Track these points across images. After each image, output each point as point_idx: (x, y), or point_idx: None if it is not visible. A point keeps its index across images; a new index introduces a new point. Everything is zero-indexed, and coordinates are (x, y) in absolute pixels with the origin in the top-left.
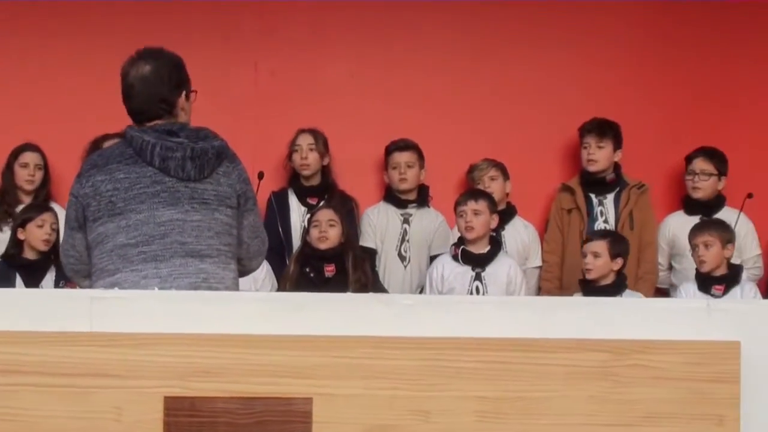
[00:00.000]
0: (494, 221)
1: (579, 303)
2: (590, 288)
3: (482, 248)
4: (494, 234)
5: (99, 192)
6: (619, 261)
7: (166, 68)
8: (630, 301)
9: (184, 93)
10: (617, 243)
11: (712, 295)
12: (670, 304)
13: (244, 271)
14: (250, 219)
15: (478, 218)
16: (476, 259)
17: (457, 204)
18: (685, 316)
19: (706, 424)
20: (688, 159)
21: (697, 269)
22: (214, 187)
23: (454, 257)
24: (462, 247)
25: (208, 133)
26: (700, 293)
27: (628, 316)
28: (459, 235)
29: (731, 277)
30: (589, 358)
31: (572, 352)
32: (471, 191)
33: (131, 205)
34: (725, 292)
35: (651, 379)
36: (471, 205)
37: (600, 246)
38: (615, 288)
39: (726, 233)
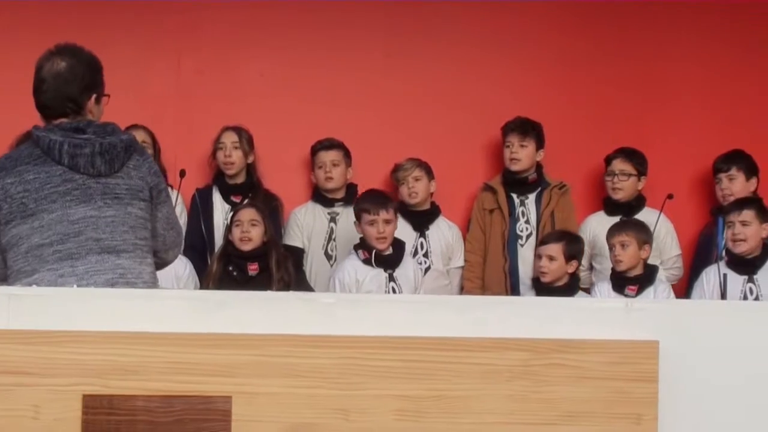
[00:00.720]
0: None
1: (499, 302)
2: (543, 289)
3: (390, 249)
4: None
5: (9, 194)
6: (574, 263)
7: (81, 68)
8: (549, 300)
9: (94, 96)
10: (572, 245)
11: (626, 296)
12: (590, 304)
13: (160, 264)
14: (164, 211)
15: (390, 227)
16: (387, 260)
17: (365, 211)
18: (605, 316)
19: (625, 423)
20: (608, 160)
21: (612, 268)
22: (125, 181)
23: (366, 261)
24: (374, 250)
25: (115, 127)
26: (615, 293)
27: (547, 315)
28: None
29: (646, 277)
30: (509, 357)
31: (492, 351)
32: (380, 199)
33: (43, 205)
34: (639, 292)
35: (571, 378)
36: (383, 215)
37: (555, 249)
38: (568, 290)
39: (643, 234)
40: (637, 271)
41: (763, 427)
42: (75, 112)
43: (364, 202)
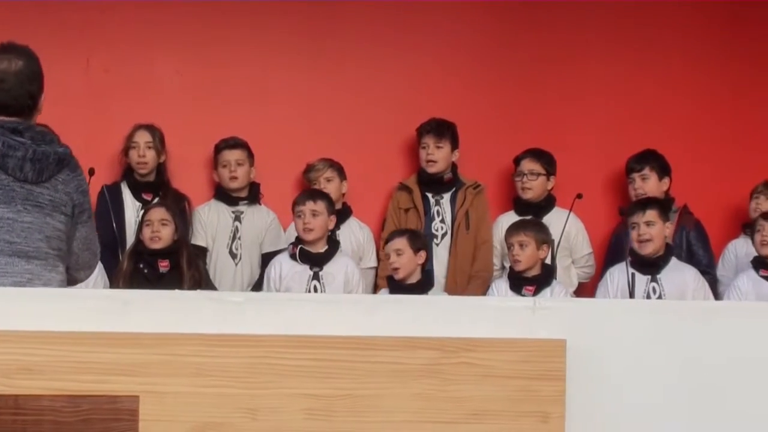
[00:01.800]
0: (331, 222)
1: (408, 301)
2: (398, 286)
3: (320, 248)
4: (331, 234)
5: None
6: (423, 254)
7: (36, 66)
8: (458, 300)
9: (42, 94)
10: (416, 238)
11: (523, 296)
12: (498, 303)
13: (71, 281)
14: (83, 231)
15: (317, 219)
16: (314, 258)
17: (295, 204)
18: (512, 315)
19: (532, 421)
20: (516, 160)
21: (510, 268)
22: (50, 192)
23: (292, 256)
24: (300, 246)
25: (54, 138)
26: (512, 292)
27: (455, 314)
28: (296, 234)
29: (543, 278)
30: (417, 355)
31: (401, 349)
32: (309, 191)
33: None
34: (536, 292)
35: (478, 377)
36: (309, 206)
37: (401, 243)
38: (422, 285)
39: (541, 234)
40: (535, 271)
41: (669, 424)
42: (30, 110)
43: (297, 196)
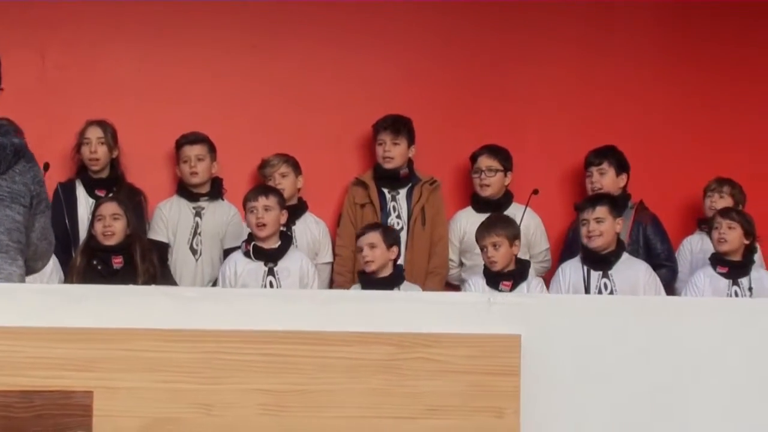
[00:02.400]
0: (283, 217)
1: (363, 296)
2: (369, 280)
3: (273, 243)
4: (284, 229)
5: None
6: (395, 249)
7: None
8: (413, 295)
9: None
10: (389, 233)
11: (500, 291)
12: (453, 298)
13: (28, 271)
14: (41, 221)
15: (269, 214)
16: (268, 254)
17: (247, 200)
18: (468, 310)
19: (487, 417)
20: (473, 157)
21: (485, 266)
22: (8, 184)
23: (246, 253)
24: (253, 242)
25: (10, 128)
26: (489, 288)
27: (411, 310)
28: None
29: (519, 273)
30: (372, 351)
31: (356, 344)
32: (260, 187)
33: None
34: (513, 287)
35: (434, 372)
36: (261, 201)
37: (374, 237)
38: (393, 280)
39: (512, 230)
40: (510, 266)
41: (623, 419)
42: None
43: (248, 192)
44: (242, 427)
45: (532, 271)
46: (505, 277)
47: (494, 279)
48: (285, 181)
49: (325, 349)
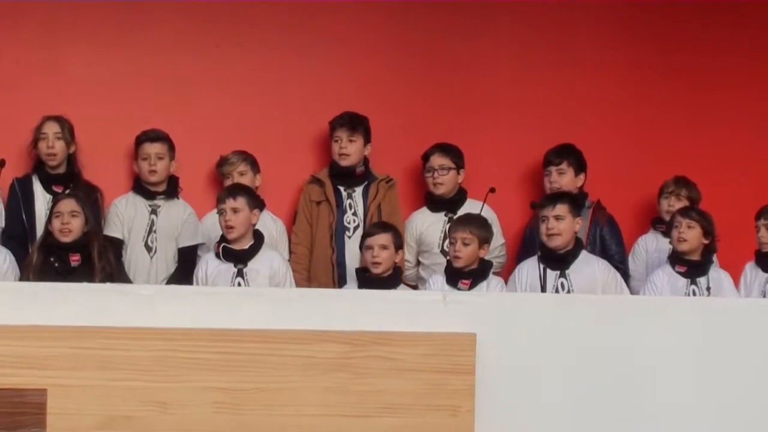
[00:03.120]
0: (255, 216)
1: (318, 294)
2: (367, 280)
3: (244, 244)
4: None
5: None
6: (401, 253)
7: None
8: (369, 293)
9: None
10: (398, 235)
11: (459, 289)
12: (409, 296)
13: None
14: None
15: (238, 216)
16: (237, 255)
17: (218, 201)
18: (423, 309)
19: (442, 415)
20: (425, 156)
21: (448, 261)
22: None
23: (217, 255)
24: (223, 244)
25: None
26: (448, 286)
27: (367, 308)
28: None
29: (479, 272)
30: (328, 349)
31: (311, 343)
32: (229, 188)
33: None
34: (472, 286)
35: (389, 371)
36: (229, 204)
37: (386, 239)
38: (392, 280)
39: (485, 233)
40: (473, 265)
41: (577, 415)
42: None
43: (219, 193)
44: (197, 425)
45: (493, 271)
46: (465, 275)
47: (454, 277)
48: (243, 179)
49: (280, 348)
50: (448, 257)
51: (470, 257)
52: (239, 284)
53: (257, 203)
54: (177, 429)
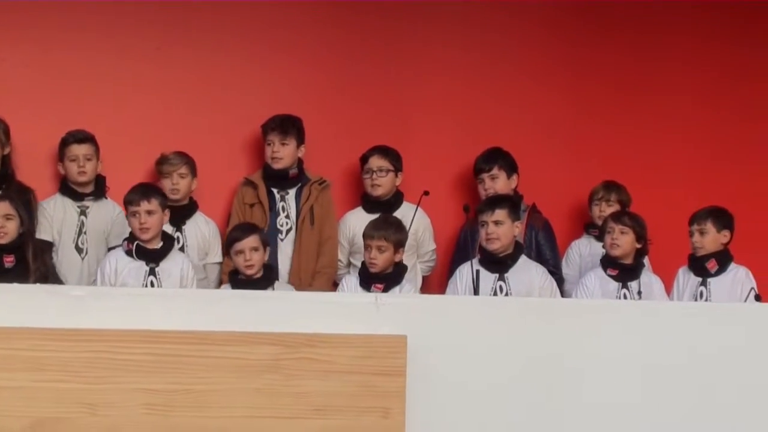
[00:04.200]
0: (166, 216)
1: (250, 296)
2: (240, 282)
3: (156, 244)
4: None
5: None
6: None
7: None
8: (301, 295)
9: None
10: (264, 233)
11: (371, 293)
12: (340, 299)
13: None
14: None
15: (152, 218)
16: (150, 254)
17: (129, 202)
18: (355, 311)
19: (373, 417)
20: (364, 158)
21: (363, 264)
22: None
23: (128, 252)
24: (136, 242)
25: None
26: (361, 288)
27: (298, 310)
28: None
29: (393, 276)
30: (259, 351)
31: (241, 344)
32: (142, 190)
33: None
34: (385, 290)
35: (320, 373)
36: (144, 206)
37: (254, 240)
38: (265, 281)
39: (400, 237)
40: (387, 270)
41: (508, 418)
42: None
43: (129, 193)
44: (127, 427)
45: (407, 277)
46: (379, 279)
47: (367, 280)
48: (183, 182)
49: (211, 349)
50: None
51: (385, 263)
52: (152, 283)
53: (167, 203)
54: (106, 431)
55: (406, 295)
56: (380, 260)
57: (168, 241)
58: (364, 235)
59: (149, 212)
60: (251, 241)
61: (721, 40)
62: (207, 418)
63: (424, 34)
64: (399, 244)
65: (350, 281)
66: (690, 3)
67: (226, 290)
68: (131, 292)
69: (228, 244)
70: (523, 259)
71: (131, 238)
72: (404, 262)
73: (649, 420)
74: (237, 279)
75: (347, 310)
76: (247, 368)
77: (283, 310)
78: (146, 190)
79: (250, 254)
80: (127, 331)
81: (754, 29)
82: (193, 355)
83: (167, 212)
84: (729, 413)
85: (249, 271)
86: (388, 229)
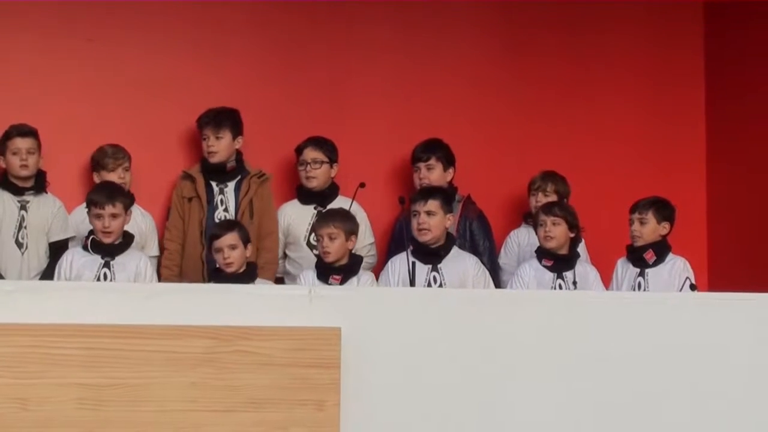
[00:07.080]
0: (129, 217)
1: (182, 289)
2: (222, 279)
3: (114, 240)
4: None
5: None
6: (249, 247)
7: None
8: (233, 288)
9: None
10: (245, 230)
11: (330, 284)
12: (274, 291)
13: None
14: None
15: (116, 221)
16: (106, 248)
17: (93, 204)
18: (289, 303)
19: (308, 410)
20: (298, 149)
21: (318, 257)
22: None
23: (84, 247)
24: (92, 237)
25: None
26: (319, 282)
27: (232, 303)
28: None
29: (350, 267)
30: (191, 344)
31: (174, 338)
32: (107, 192)
33: None
34: (343, 282)
35: (254, 365)
36: (109, 210)
37: (233, 238)
38: (247, 276)
39: (350, 225)
40: (343, 260)
41: (443, 410)
42: None
43: (94, 193)
44: (59, 422)
45: (363, 267)
46: (336, 271)
47: (325, 273)
48: (127, 176)
49: (144, 343)
50: (316, 252)
51: (339, 251)
52: (105, 275)
53: (131, 203)
54: (37, 426)
55: (340, 287)
56: (333, 248)
57: (126, 238)
58: (314, 228)
59: (114, 216)
60: (229, 238)
61: (648, 44)
62: (141, 412)
63: (361, 25)
64: (350, 232)
65: (308, 275)
66: (621, 5)
67: (159, 284)
68: (62, 287)
69: (208, 242)
70: (455, 250)
71: (90, 233)
72: None
73: (582, 411)
74: (219, 276)
75: (281, 303)
76: (180, 362)
77: (218, 303)
78: (111, 192)
79: (228, 252)
80: (58, 325)
81: (678, 36)
82: (126, 348)
83: (131, 212)
84: (663, 402)
85: (228, 269)
86: (335, 217)
